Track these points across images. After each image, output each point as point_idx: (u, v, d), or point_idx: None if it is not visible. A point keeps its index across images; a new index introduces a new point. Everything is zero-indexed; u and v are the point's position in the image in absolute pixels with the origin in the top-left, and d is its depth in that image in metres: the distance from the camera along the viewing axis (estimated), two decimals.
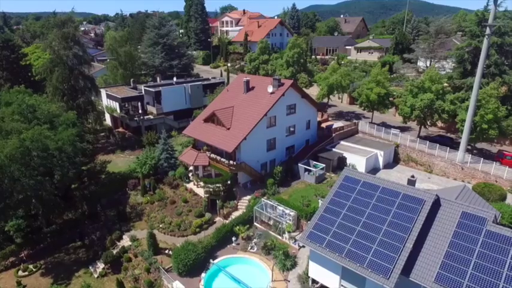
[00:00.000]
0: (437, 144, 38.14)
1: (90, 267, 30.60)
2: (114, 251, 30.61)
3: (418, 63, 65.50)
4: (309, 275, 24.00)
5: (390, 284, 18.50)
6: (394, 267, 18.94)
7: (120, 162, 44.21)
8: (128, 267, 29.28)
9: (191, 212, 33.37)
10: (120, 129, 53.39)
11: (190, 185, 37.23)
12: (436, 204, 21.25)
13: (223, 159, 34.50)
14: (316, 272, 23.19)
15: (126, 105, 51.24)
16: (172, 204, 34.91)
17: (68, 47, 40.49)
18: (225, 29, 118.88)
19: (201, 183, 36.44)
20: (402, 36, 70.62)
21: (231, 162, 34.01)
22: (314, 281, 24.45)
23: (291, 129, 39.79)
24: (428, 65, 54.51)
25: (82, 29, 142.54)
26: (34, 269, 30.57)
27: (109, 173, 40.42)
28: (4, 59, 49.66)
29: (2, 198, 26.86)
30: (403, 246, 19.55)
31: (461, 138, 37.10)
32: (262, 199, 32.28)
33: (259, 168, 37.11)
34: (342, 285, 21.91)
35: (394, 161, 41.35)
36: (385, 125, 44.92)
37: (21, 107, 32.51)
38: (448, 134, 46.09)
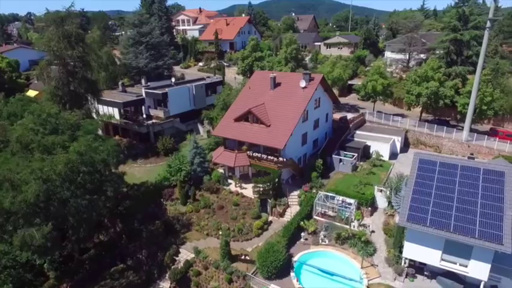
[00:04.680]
0: (445, 127, 42.72)
1: None
2: (178, 267, 28.02)
3: (385, 55, 72.14)
4: (404, 255, 25.19)
5: (507, 248, 20.54)
6: (503, 233, 21.07)
7: (136, 172, 40.09)
8: (198, 282, 27.11)
9: (246, 215, 32.14)
10: (116, 137, 48.18)
11: (232, 187, 35.71)
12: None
13: (270, 157, 33.83)
14: (414, 251, 24.44)
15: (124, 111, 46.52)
16: (220, 209, 33.09)
17: (70, 46, 35.02)
18: (181, 27, 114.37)
19: (244, 185, 35.41)
20: (369, 32, 76.70)
21: (280, 159, 33.55)
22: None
23: (317, 122, 40.67)
24: (407, 57, 60.09)
25: None
26: None
27: (130, 186, 36.41)
28: None
29: (57, 224, 22.67)
30: (504, 214, 21.88)
31: (451, 120, 42.21)
32: (319, 191, 32.63)
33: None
34: (443, 259, 23.55)
35: (405, 145, 45.01)
36: (382, 113, 48.17)
37: (42, 117, 27.63)
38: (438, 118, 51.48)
